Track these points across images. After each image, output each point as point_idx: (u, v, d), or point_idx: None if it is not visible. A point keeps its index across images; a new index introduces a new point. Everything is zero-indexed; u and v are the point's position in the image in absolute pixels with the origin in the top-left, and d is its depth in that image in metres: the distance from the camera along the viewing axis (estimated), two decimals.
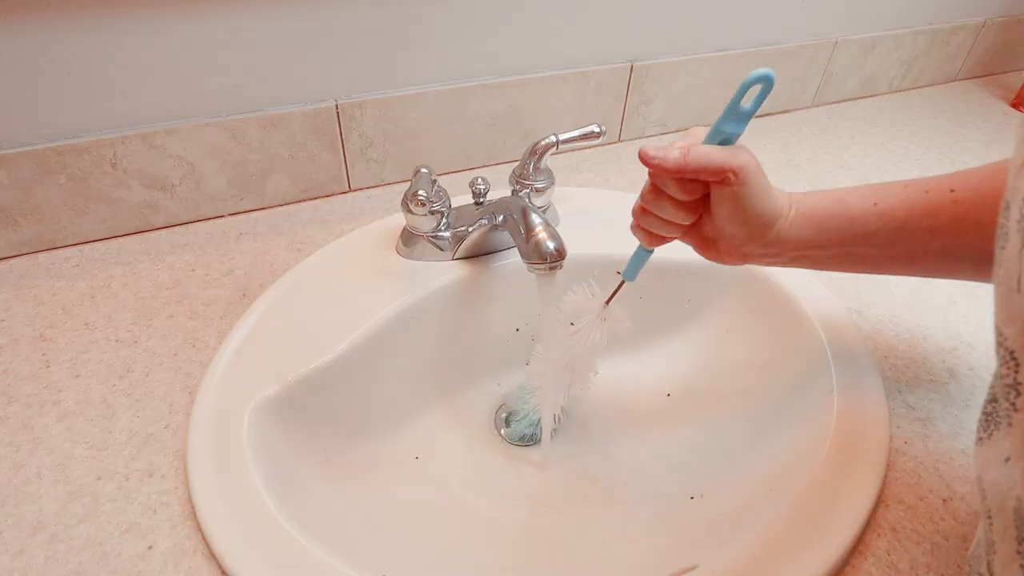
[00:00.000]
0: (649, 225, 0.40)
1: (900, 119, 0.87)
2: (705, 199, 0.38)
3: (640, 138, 0.78)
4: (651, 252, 0.42)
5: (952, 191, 0.36)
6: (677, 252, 0.56)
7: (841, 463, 0.40)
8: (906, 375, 0.48)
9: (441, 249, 0.53)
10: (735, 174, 0.35)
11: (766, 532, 0.36)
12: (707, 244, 0.41)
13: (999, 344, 0.23)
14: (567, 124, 0.71)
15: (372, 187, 0.66)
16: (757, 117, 0.91)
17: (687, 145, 0.36)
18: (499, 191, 0.54)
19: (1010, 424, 0.23)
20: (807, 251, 0.39)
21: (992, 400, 0.26)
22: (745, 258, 0.40)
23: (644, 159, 0.36)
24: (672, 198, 0.38)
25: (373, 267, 0.53)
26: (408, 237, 0.54)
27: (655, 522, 0.47)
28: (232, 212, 0.62)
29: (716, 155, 0.35)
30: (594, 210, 0.62)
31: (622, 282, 0.44)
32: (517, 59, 0.66)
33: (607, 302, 0.44)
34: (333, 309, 0.49)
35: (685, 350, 0.58)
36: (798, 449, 0.43)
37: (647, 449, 0.53)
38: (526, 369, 0.49)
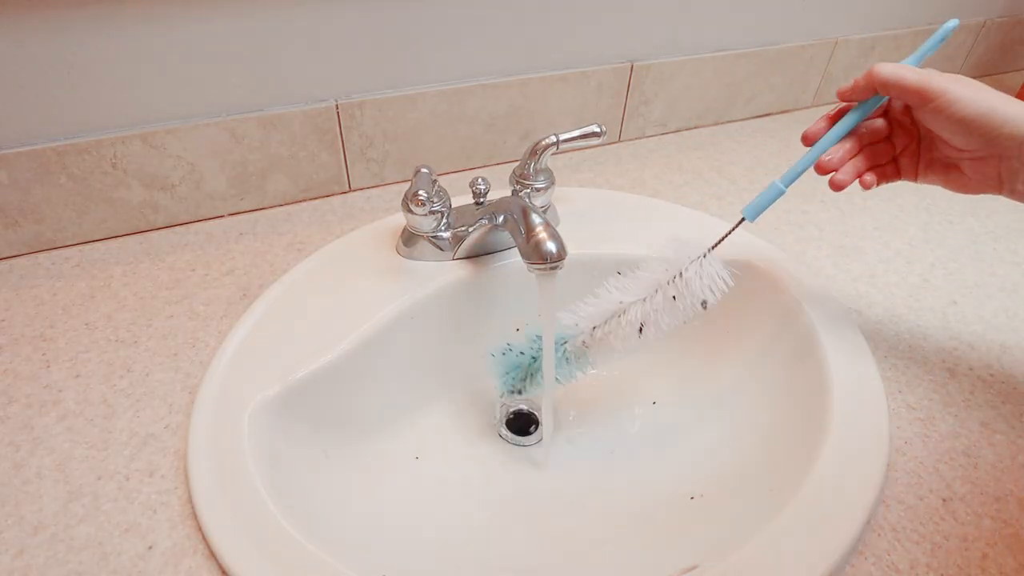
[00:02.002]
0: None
1: None
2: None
3: (640, 138, 0.78)
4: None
5: None
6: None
7: (841, 463, 0.40)
8: (906, 375, 0.48)
9: (441, 249, 0.53)
10: (934, 96, 0.35)
11: (766, 532, 0.36)
12: (949, 170, 0.40)
13: None
14: (567, 124, 0.71)
15: (372, 187, 0.66)
16: (757, 117, 0.92)
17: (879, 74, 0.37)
18: (499, 191, 0.54)
19: None
20: None
21: None
22: (1000, 181, 0.38)
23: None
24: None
25: (373, 267, 0.53)
26: (408, 237, 0.54)
27: (655, 522, 0.47)
28: (232, 212, 0.62)
29: (911, 75, 0.36)
30: (594, 210, 0.62)
31: (741, 219, 0.42)
32: (517, 59, 0.66)
33: (714, 246, 0.42)
34: (333, 309, 0.49)
35: (683, 350, 0.57)
36: (798, 449, 0.43)
37: (647, 449, 0.53)
38: (573, 310, 0.46)
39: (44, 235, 0.56)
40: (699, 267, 0.42)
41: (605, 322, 0.45)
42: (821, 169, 0.41)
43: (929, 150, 0.41)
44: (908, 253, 0.61)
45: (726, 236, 0.43)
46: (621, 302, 0.44)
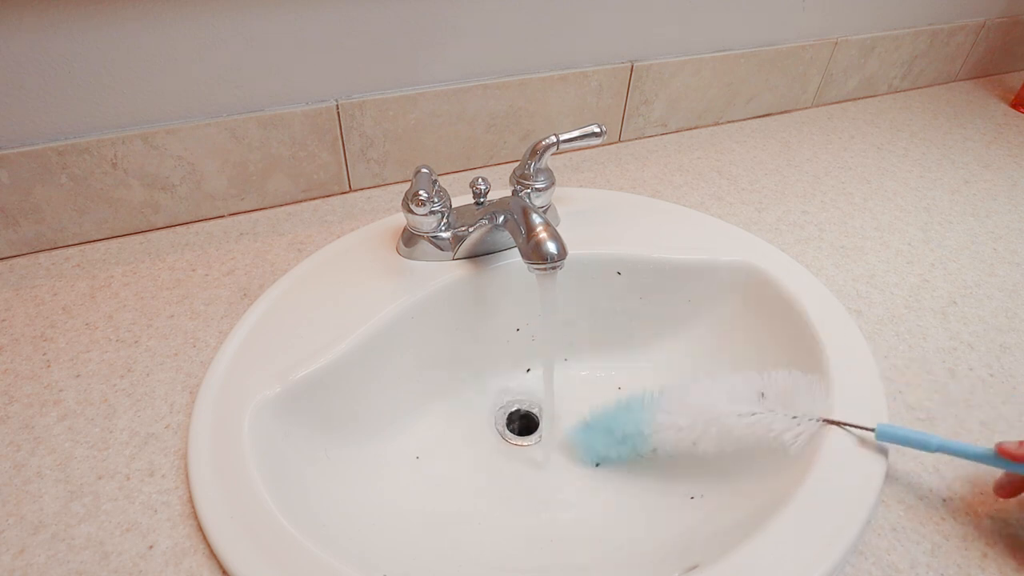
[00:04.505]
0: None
1: (900, 119, 0.87)
2: None
3: (640, 138, 0.78)
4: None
5: None
6: (677, 252, 0.57)
7: (841, 463, 0.40)
8: (906, 375, 0.48)
9: (441, 249, 0.53)
10: None
11: (766, 532, 0.36)
12: None
13: None
14: (567, 124, 0.71)
15: (372, 187, 0.66)
16: (757, 117, 0.92)
17: None
18: (499, 191, 0.54)
19: None
20: None
21: None
22: None
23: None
24: None
25: (373, 267, 0.53)
26: (408, 237, 0.54)
27: (655, 522, 0.47)
28: (232, 212, 0.62)
29: None
30: (594, 210, 0.62)
31: (869, 430, 0.40)
32: (517, 59, 0.66)
33: (830, 421, 0.41)
34: (333, 309, 0.49)
35: (685, 350, 0.58)
36: (798, 449, 0.43)
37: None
38: (665, 401, 0.45)
39: (44, 235, 0.56)
40: (796, 426, 0.41)
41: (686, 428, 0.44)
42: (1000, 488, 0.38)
43: None
44: (908, 253, 0.61)
45: (845, 425, 0.41)
46: (717, 417, 0.42)
